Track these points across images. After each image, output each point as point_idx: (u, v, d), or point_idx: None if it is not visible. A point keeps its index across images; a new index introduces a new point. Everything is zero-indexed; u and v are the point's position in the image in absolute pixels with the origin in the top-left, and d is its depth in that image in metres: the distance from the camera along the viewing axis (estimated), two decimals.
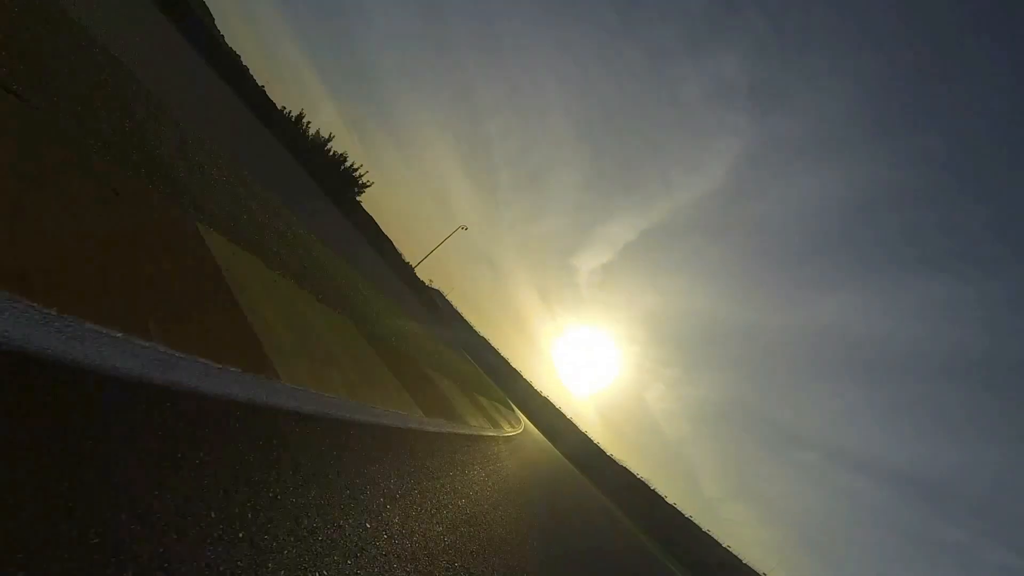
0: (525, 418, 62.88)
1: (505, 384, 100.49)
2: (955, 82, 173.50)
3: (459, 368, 29.27)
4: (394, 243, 73.76)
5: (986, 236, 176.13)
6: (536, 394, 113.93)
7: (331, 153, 53.90)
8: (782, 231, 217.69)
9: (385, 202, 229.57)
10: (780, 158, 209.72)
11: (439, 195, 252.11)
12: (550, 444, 58.74)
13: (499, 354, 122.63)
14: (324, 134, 54.18)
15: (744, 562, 71.21)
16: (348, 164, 56.45)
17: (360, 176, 58.89)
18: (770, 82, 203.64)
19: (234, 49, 45.10)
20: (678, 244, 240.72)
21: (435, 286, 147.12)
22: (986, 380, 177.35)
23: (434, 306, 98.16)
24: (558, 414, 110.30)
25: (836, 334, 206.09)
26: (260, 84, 43.59)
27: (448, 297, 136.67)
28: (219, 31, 50.41)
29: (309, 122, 50.86)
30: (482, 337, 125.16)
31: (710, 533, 77.32)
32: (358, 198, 59.98)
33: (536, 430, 59.44)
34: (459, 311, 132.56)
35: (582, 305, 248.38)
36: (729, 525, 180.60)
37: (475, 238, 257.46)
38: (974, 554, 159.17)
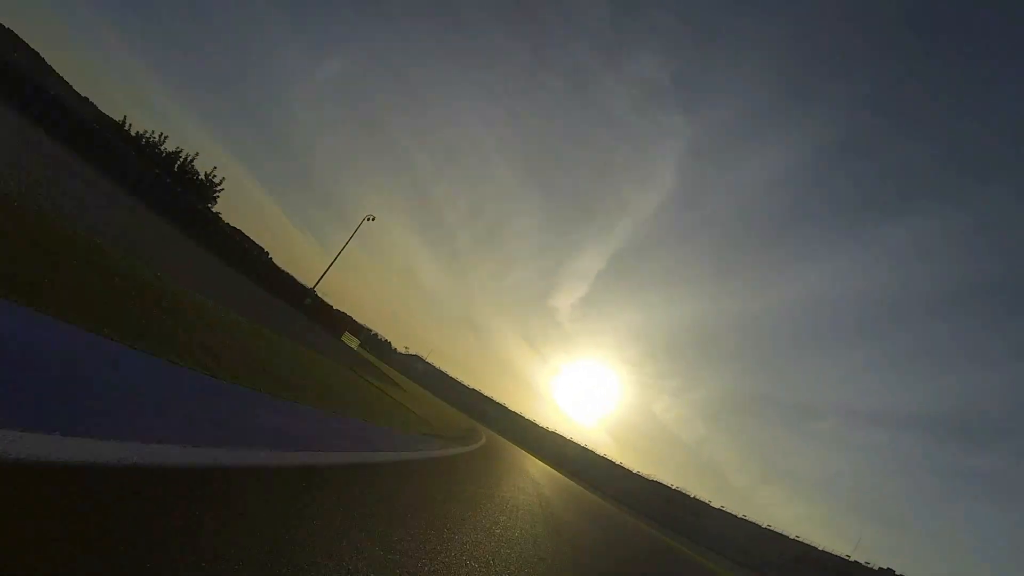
0: (538, 460, 55.86)
1: (507, 426, 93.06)
2: (871, 25, 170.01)
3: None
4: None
5: (934, 168, 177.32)
6: (543, 431, 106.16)
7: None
8: (740, 218, 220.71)
9: (358, 292, 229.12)
10: (720, 145, 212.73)
11: (407, 274, 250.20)
12: (560, 474, 51.64)
13: (495, 402, 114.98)
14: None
15: (821, 549, 64.30)
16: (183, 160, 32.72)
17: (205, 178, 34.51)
18: (691, 70, 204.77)
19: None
20: (647, 260, 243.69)
21: (412, 352, 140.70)
22: (971, 307, 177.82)
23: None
24: (569, 443, 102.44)
25: (816, 302, 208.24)
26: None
27: (429, 359, 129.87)
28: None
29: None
30: (473, 390, 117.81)
31: (772, 528, 70.17)
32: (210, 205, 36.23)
33: (543, 463, 52.39)
34: (444, 370, 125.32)
35: (570, 341, 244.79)
36: (768, 508, 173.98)
37: (449, 305, 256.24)
38: (1011, 474, 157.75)
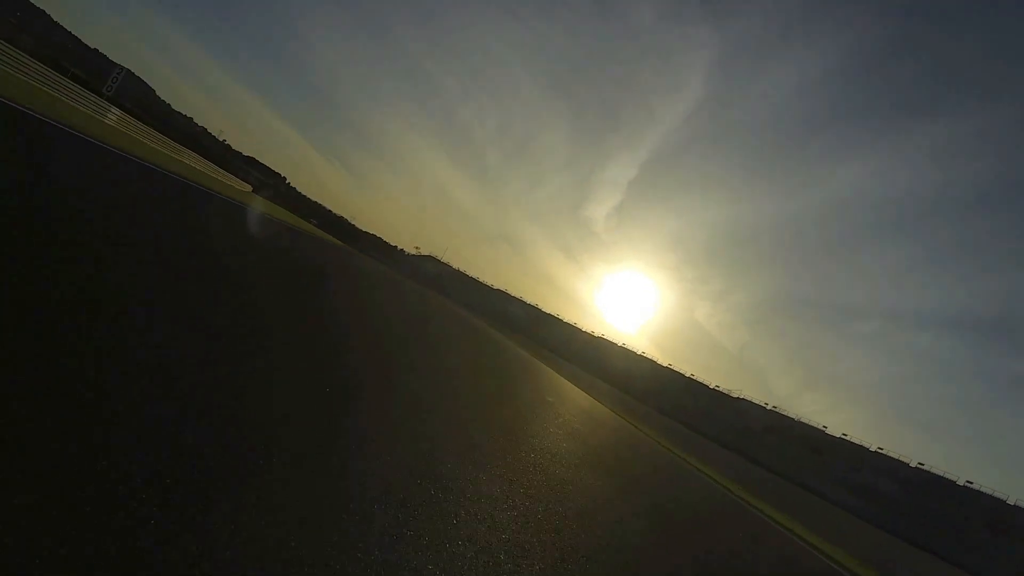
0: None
1: (532, 331, 71.12)
2: None
3: None
4: None
5: (969, 69, 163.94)
6: (582, 333, 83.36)
7: None
8: (773, 122, 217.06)
9: (386, 216, 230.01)
10: (750, 54, 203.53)
11: (438, 194, 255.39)
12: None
13: (524, 302, 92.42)
14: None
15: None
16: None
17: None
18: None
19: None
20: (679, 165, 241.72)
21: (425, 252, 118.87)
22: (1015, 205, 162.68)
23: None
24: (619, 352, 79.45)
25: (856, 202, 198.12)
26: None
27: (443, 259, 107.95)
28: None
29: None
30: (497, 290, 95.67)
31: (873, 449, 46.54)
32: None
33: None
34: (462, 271, 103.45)
35: (607, 251, 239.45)
36: (812, 416, 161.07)
37: (484, 222, 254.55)
38: None
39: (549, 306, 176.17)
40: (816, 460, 49.72)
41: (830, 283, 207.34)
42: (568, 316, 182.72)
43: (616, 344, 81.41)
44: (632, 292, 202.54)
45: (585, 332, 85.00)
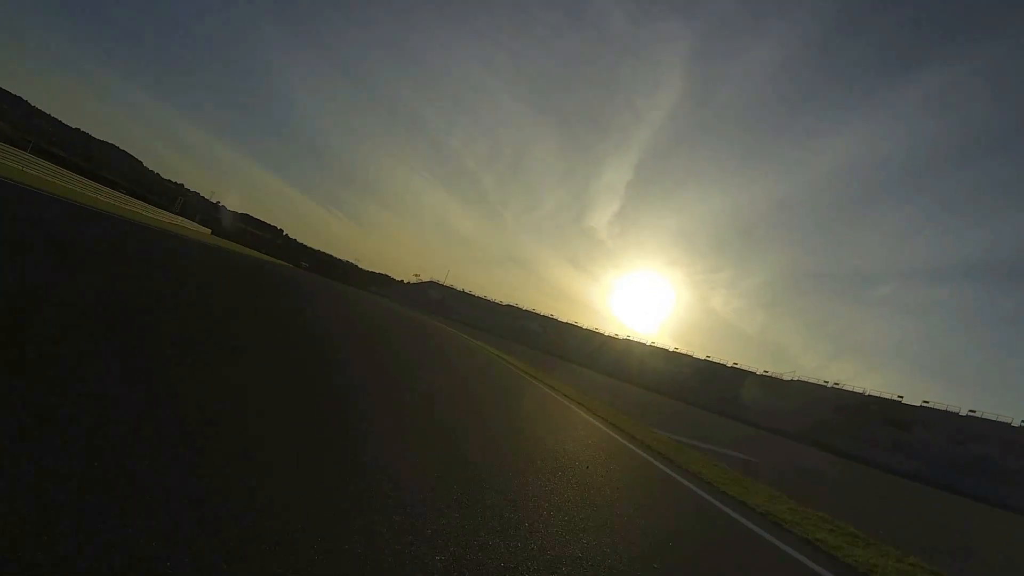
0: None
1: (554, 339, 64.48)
2: None
3: None
4: None
5: (952, 8, 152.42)
6: (603, 337, 76.43)
7: None
8: (759, 101, 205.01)
9: (393, 256, 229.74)
10: (726, 39, 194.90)
11: (439, 226, 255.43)
12: None
13: (538, 315, 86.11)
14: None
15: None
16: None
17: None
18: None
19: None
20: (672, 161, 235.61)
21: (426, 279, 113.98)
22: (1011, 147, 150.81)
23: None
24: (649, 352, 72.39)
25: (857, 166, 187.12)
26: None
27: (445, 282, 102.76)
28: None
29: None
30: (507, 306, 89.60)
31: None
32: None
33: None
34: (468, 291, 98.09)
35: (615, 257, 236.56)
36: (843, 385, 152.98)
37: (489, 248, 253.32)
38: None
39: (567, 317, 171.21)
40: (905, 437, 42.35)
41: (841, 252, 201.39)
42: (587, 325, 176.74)
43: (644, 344, 74.62)
44: (646, 293, 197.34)
45: (607, 336, 78.40)
